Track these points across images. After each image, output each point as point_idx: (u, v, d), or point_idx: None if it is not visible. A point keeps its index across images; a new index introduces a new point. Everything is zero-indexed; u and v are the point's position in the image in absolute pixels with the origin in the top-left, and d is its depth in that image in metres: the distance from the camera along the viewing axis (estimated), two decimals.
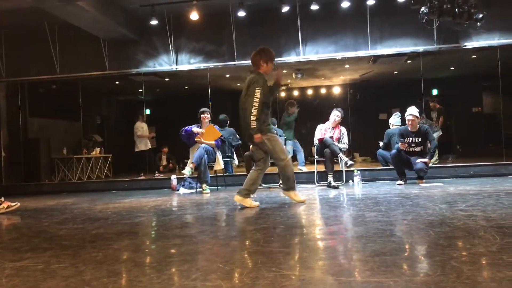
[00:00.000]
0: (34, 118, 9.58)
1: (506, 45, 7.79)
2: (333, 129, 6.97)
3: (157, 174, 9.30)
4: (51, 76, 8.81)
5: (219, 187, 7.24)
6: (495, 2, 7.44)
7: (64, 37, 8.61)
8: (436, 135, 8.23)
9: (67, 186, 8.59)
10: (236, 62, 8.39)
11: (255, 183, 4.70)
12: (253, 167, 4.88)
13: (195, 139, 6.79)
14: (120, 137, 12.05)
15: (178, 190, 7.31)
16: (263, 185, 7.33)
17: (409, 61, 8.99)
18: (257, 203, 4.71)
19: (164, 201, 5.89)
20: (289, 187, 4.80)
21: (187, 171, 6.50)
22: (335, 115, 6.98)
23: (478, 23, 6.93)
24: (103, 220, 4.29)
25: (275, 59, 8.27)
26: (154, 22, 7.97)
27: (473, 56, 9.05)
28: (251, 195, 4.76)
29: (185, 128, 6.90)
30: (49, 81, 9.20)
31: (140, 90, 9.54)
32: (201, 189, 6.80)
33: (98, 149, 10.09)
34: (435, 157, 8.06)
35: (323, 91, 12.46)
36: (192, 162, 6.53)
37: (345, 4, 7.42)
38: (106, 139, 11.30)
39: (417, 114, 6.52)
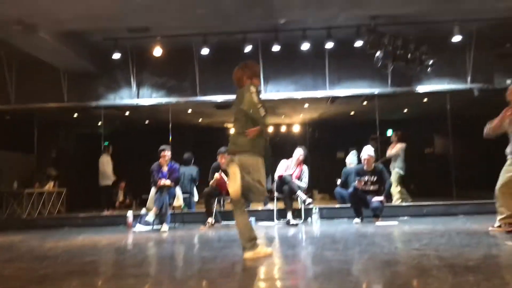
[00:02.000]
0: None
1: (454, 90, 8.26)
2: (295, 167, 7.05)
3: (110, 211, 8.93)
4: (5, 106, 8.52)
5: (177, 225, 7.10)
6: (444, 50, 7.93)
7: (21, 67, 8.40)
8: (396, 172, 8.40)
9: (16, 223, 8.12)
10: (198, 98, 8.43)
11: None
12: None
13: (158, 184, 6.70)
14: (76, 171, 11.67)
15: (134, 227, 7.10)
16: (223, 222, 7.25)
17: (365, 102, 9.33)
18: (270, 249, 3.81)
19: (119, 238, 5.70)
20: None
21: (151, 217, 6.45)
22: (299, 153, 7.08)
23: (428, 69, 7.38)
24: (53, 259, 4.08)
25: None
26: (116, 55, 7.93)
27: (425, 100, 9.51)
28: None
29: (158, 174, 6.78)
30: (3, 111, 8.87)
31: (99, 123, 9.36)
32: (158, 227, 6.64)
33: (52, 183, 9.69)
34: (397, 196, 8.20)
35: (283, 129, 12.67)
36: (155, 207, 6.46)
37: (305, 46, 7.68)
38: (61, 173, 10.91)
39: (373, 154, 6.71)
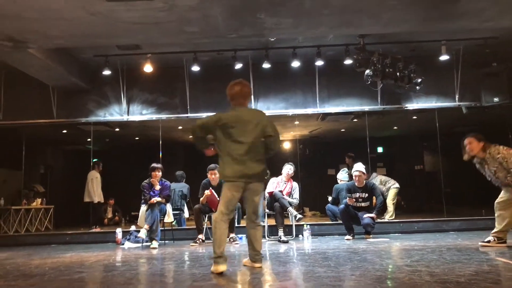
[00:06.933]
0: None
1: (442, 108, 8.38)
2: (285, 183, 7.05)
3: (98, 228, 8.79)
4: None
5: (167, 242, 7.01)
6: (432, 69, 8.06)
7: (10, 83, 8.35)
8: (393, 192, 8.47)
9: (2, 239, 7.96)
10: (189, 115, 8.44)
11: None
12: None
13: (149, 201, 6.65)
14: (65, 188, 11.54)
15: (123, 244, 7.00)
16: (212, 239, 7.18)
17: (355, 120, 9.40)
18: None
19: (107, 256, 5.61)
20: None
21: (143, 234, 6.39)
22: (288, 168, 7.09)
23: (417, 87, 7.48)
24: (39, 276, 4.00)
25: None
26: (107, 72, 7.93)
27: (414, 117, 9.62)
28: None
29: (149, 192, 6.74)
30: None
31: (89, 139, 9.29)
32: (148, 243, 6.56)
33: (39, 200, 9.55)
34: (390, 213, 8.26)
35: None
36: (146, 224, 6.42)
37: (295, 64, 7.76)
38: (49, 190, 10.76)
39: (364, 170, 6.74)
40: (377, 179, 8.56)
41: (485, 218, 7.20)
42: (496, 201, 5.10)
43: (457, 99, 8.22)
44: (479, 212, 8.16)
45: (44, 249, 6.80)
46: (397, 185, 8.52)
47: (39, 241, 7.82)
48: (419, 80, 7.36)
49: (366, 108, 8.45)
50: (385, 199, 7.59)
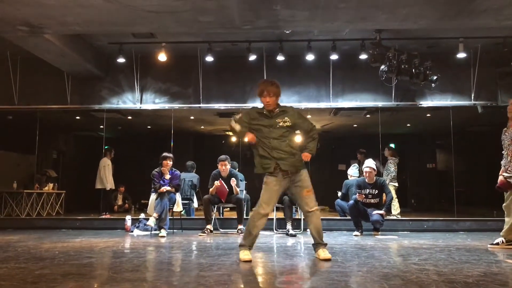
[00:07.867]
0: None
1: (457, 106, 8.26)
2: None
3: (108, 215, 8.88)
4: (8, 106, 8.53)
5: (175, 231, 7.06)
6: (448, 66, 7.95)
7: (26, 68, 8.43)
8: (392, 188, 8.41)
9: (14, 222, 8.11)
10: (201, 105, 8.45)
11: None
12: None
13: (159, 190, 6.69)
14: (76, 174, 11.67)
15: (132, 231, 7.07)
16: (221, 230, 7.22)
17: (368, 116, 9.32)
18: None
19: (116, 242, 5.66)
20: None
21: (151, 222, 6.45)
22: None
23: (432, 84, 7.39)
24: (49, 260, 4.06)
25: (242, 105, 8.52)
26: (121, 60, 7.96)
27: (428, 115, 9.51)
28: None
29: (159, 180, 6.77)
30: (6, 111, 8.88)
31: (101, 126, 9.36)
32: (156, 232, 6.61)
33: (51, 185, 9.67)
34: (397, 211, 8.21)
35: None
36: (155, 213, 6.48)
37: (309, 57, 7.71)
38: (61, 175, 10.89)
39: (374, 167, 6.69)
40: (394, 165, 8.48)
41: (496, 219, 7.11)
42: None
43: (472, 98, 8.10)
44: (490, 213, 8.07)
45: (54, 233, 6.90)
46: (396, 184, 8.46)
47: (50, 225, 7.93)
48: (435, 77, 7.28)
49: (380, 104, 8.37)
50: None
